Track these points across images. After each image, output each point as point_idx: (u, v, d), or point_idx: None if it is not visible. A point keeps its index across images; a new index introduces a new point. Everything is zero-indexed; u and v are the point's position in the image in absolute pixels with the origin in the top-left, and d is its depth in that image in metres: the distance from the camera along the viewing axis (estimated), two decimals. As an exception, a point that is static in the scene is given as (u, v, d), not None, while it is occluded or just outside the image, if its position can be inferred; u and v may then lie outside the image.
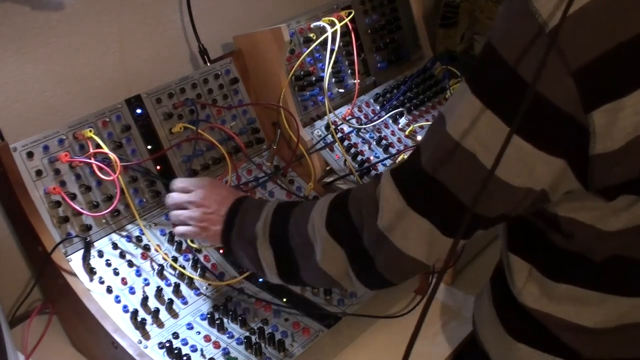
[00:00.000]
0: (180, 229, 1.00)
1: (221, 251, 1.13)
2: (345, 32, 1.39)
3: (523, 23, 0.64)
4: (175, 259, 1.08)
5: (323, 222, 0.84)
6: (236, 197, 0.98)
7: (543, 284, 0.81)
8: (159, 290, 1.03)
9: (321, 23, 1.36)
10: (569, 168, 0.68)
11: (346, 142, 1.33)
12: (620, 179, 0.67)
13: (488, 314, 0.92)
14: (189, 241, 1.11)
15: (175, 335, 0.99)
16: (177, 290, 1.05)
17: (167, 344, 0.96)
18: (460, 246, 0.91)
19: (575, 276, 0.79)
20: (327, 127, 1.34)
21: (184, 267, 1.07)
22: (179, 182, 1.04)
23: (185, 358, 0.94)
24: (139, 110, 1.15)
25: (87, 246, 1.04)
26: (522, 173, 0.69)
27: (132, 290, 1.03)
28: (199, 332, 1.00)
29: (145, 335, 0.98)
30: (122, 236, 1.09)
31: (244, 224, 0.94)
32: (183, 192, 1.02)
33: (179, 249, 1.10)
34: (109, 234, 1.08)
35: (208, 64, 1.31)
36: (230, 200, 0.98)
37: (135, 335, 0.97)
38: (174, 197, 1.02)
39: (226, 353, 0.96)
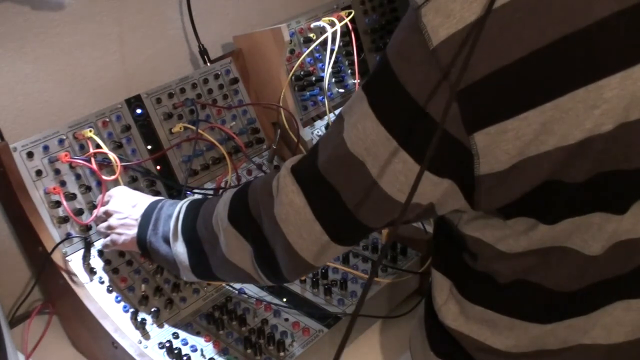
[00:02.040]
0: (101, 241, 1.03)
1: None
2: (345, 32, 1.39)
3: (412, 38, 0.63)
4: (175, 259, 1.08)
5: (226, 214, 0.84)
6: (149, 200, 0.99)
7: (461, 304, 0.80)
8: (159, 290, 1.03)
9: (321, 23, 1.36)
10: (457, 188, 0.68)
11: (346, 142, 1.33)
12: (503, 201, 0.67)
13: (419, 331, 0.91)
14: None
15: (175, 335, 0.99)
16: (177, 290, 1.05)
17: (167, 344, 0.96)
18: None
19: (485, 299, 0.78)
20: (327, 127, 1.34)
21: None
22: (101, 196, 1.06)
23: (185, 358, 0.94)
24: (139, 110, 1.15)
25: (87, 246, 1.04)
26: (406, 189, 0.67)
27: (132, 290, 1.03)
28: (199, 332, 1.00)
29: (145, 335, 0.98)
30: (122, 236, 1.09)
31: (158, 223, 0.94)
32: (104, 204, 1.03)
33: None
34: (109, 234, 1.08)
35: (208, 64, 1.31)
36: (144, 203, 0.98)
37: (135, 335, 0.97)
38: (96, 212, 1.04)
39: (226, 353, 0.96)
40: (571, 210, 0.67)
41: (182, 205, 0.93)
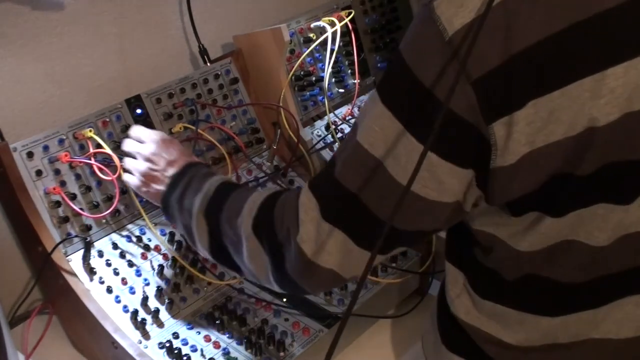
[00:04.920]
0: (125, 176, 1.02)
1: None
2: (345, 32, 1.39)
3: (426, 31, 0.64)
4: (175, 259, 1.08)
5: (250, 223, 0.82)
6: (186, 162, 0.97)
7: (473, 298, 0.80)
8: (159, 290, 1.03)
9: (321, 23, 1.36)
10: (476, 180, 0.68)
11: (346, 142, 1.33)
12: (516, 194, 0.67)
13: (431, 323, 0.91)
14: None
15: (175, 335, 0.99)
16: (177, 290, 1.05)
17: (167, 344, 0.96)
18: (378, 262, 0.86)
19: (495, 293, 0.78)
20: (327, 127, 1.34)
21: (183, 267, 1.07)
22: (135, 130, 1.05)
23: (185, 358, 0.94)
24: (139, 110, 1.15)
25: (87, 246, 1.04)
26: (432, 185, 0.68)
27: (132, 290, 1.03)
28: (199, 332, 1.00)
29: (145, 335, 0.98)
30: (122, 236, 1.09)
31: (186, 191, 0.92)
32: (138, 141, 1.02)
33: (179, 249, 1.10)
34: (109, 234, 1.08)
35: (208, 64, 1.31)
36: (180, 163, 0.97)
37: (135, 335, 0.97)
38: (127, 144, 1.03)
39: (226, 353, 0.96)
40: (577, 202, 0.67)
41: (212, 185, 0.90)
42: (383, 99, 0.69)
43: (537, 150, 0.63)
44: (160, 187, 0.96)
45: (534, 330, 0.76)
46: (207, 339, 0.98)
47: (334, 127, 1.33)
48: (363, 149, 0.70)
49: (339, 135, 1.33)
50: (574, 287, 0.73)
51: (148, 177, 0.98)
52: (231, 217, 0.85)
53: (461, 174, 0.67)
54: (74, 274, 1.01)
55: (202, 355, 0.96)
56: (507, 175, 0.65)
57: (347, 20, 1.37)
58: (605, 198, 0.66)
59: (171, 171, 0.96)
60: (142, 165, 0.99)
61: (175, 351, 0.95)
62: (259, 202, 0.83)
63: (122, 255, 1.06)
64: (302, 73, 1.34)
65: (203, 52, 1.32)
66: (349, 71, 1.43)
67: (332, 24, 1.34)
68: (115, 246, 1.07)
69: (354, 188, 0.72)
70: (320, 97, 1.37)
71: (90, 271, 1.03)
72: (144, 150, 1.00)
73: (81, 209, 1.05)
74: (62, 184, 1.05)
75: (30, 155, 1.02)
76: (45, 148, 1.04)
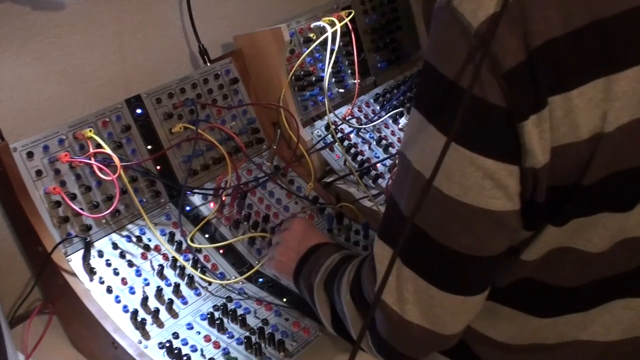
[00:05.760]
0: (265, 261, 1.08)
1: (221, 251, 1.13)
2: (345, 32, 1.39)
3: (450, 32, 0.63)
4: (175, 259, 1.08)
5: (348, 287, 0.80)
6: (318, 241, 0.99)
7: None
8: (159, 290, 1.03)
9: (321, 23, 1.36)
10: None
11: (346, 142, 1.33)
12: (538, 199, 0.65)
13: None
14: (188, 241, 1.11)
15: (175, 335, 0.99)
16: (177, 290, 1.05)
17: (167, 344, 0.96)
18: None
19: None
20: (327, 127, 1.34)
21: (183, 267, 1.07)
22: (285, 223, 1.08)
23: (185, 358, 0.94)
24: (139, 110, 1.15)
25: (87, 246, 1.04)
26: (498, 193, 0.64)
27: (132, 290, 1.03)
28: (199, 332, 1.00)
29: (145, 335, 0.98)
30: (122, 236, 1.09)
31: (313, 267, 0.93)
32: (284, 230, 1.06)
33: (179, 249, 1.10)
34: (109, 234, 1.08)
35: (208, 64, 1.31)
36: (312, 242, 0.99)
37: (135, 335, 0.97)
38: (276, 234, 1.08)
39: (226, 353, 0.96)
40: (580, 211, 0.66)
41: (335, 259, 0.90)
42: (425, 116, 0.67)
43: (554, 155, 0.62)
44: (292, 264, 0.98)
45: (523, 328, 0.76)
46: (207, 339, 0.98)
47: (334, 127, 1.33)
48: (422, 177, 0.67)
49: (339, 135, 1.33)
50: (568, 290, 0.72)
51: (283, 256, 1.01)
52: (339, 286, 0.83)
53: (513, 171, 0.64)
54: (74, 274, 1.01)
55: (202, 355, 0.96)
56: (529, 180, 0.64)
57: (347, 20, 1.37)
58: (608, 207, 0.66)
59: (303, 250, 0.98)
60: (279, 246, 1.03)
61: (175, 351, 0.95)
62: (357, 264, 0.82)
63: (122, 255, 1.06)
64: (302, 73, 1.34)
65: (203, 52, 1.32)
66: (349, 71, 1.43)
67: (332, 24, 1.34)
68: (115, 246, 1.07)
69: (422, 223, 0.68)
70: (320, 97, 1.37)
71: (90, 271, 1.03)
72: (285, 234, 1.04)
73: (81, 209, 1.05)
74: (62, 184, 1.05)
75: (30, 155, 1.02)
76: (45, 148, 1.04)
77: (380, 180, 1.28)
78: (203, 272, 1.08)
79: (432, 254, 0.69)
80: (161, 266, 1.06)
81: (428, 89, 0.68)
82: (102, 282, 1.02)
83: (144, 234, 1.10)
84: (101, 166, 1.06)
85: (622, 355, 0.76)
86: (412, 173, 0.68)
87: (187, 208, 1.17)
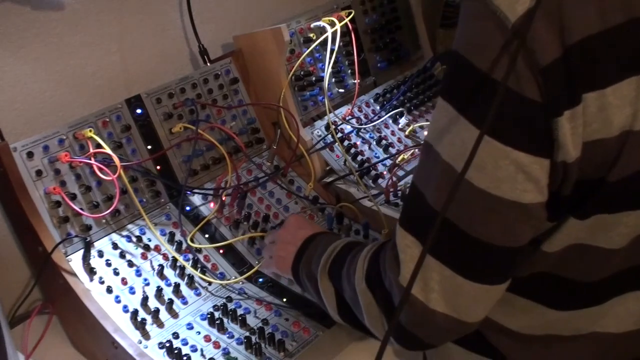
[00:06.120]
0: (262, 262, 1.10)
1: (221, 251, 1.13)
2: (345, 32, 1.39)
3: (484, 25, 0.62)
4: (175, 259, 1.08)
5: (363, 274, 0.80)
6: (313, 232, 0.99)
7: None
8: (159, 290, 1.03)
9: (321, 23, 1.36)
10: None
11: (346, 142, 1.33)
12: (564, 192, 0.65)
13: None
14: (188, 241, 1.11)
15: (176, 335, 0.99)
16: (177, 290, 1.05)
17: (167, 344, 0.96)
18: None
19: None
20: (327, 127, 1.34)
21: (183, 267, 1.07)
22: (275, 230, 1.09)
23: (185, 358, 0.94)
24: (139, 110, 1.15)
25: (87, 246, 1.04)
26: (529, 186, 0.64)
27: (132, 290, 1.03)
28: (199, 332, 1.00)
29: (145, 335, 0.98)
30: (122, 236, 1.09)
31: (312, 255, 0.93)
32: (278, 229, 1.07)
33: (179, 249, 1.10)
34: (109, 234, 1.08)
35: (208, 64, 1.31)
36: (308, 233, 0.99)
37: (135, 335, 0.97)
38: (269, 234, 1.10)
39: (226, 353, 0.96)
40: (603, 208, 0.67)
41: (337, 247, 0.90)
42: (456, 107, 0.66)
43: (584, 151, 0.62)
44: (290, 258, 0.98)
45: (538, 320, 0.76)
46: (207, 339, 0.98)
47: (334, 127, 1.33)
48: (453, 170, 0.66)
49: (339, 135, 1.33)
50: (585, 285, 0.73)
51: (281, 252, 1.01)
52: (350, 274, 0.83)
53: (545, 165, 0.64)
54: (74, 274, 1.01)
55: (202, 355, 0.96)
56: (560, 174, 0.64)
57: (347, 20, 1.37)
58: (631, 205, 0.66)
59: (300, 242, 0.98)
60: (275, 245, 1.03)
61: (175, 351, 0.95)
62: (371, 252, 0.81)
63: (122, 255, 1.06)
64: (302, 73, 1.34)
65: (203, 52, 1.32)
66: (349, 71, 1.43)
67: (332, 24, 1.34)
68: (115, 246, 1.07)
69: (454, 215, 0.68)
70: (320, 97, 1.37)
71: (90, 271, 1.03)
72: (278, 233, 1.05)
73: (81, 209, 1.05)
74: (62, 184, 1.05)
75: (30, 155, 1.02)
76: (45, 148, 1.04)
77: (380, 180, 1.28)
78: (203, 272, 1.08)
79: (460, 245, 0.69)
80: (161, 266, 1.06)
81: (459, 81, 0.67)
82: (102, 282, 1.02)
83: (144, 234, 1.10)
84: (101, 166, 1.06)
85: (633, 346, 0.77)
86: (441, 165, 0.68)
87: (187, 208, 1.17)
